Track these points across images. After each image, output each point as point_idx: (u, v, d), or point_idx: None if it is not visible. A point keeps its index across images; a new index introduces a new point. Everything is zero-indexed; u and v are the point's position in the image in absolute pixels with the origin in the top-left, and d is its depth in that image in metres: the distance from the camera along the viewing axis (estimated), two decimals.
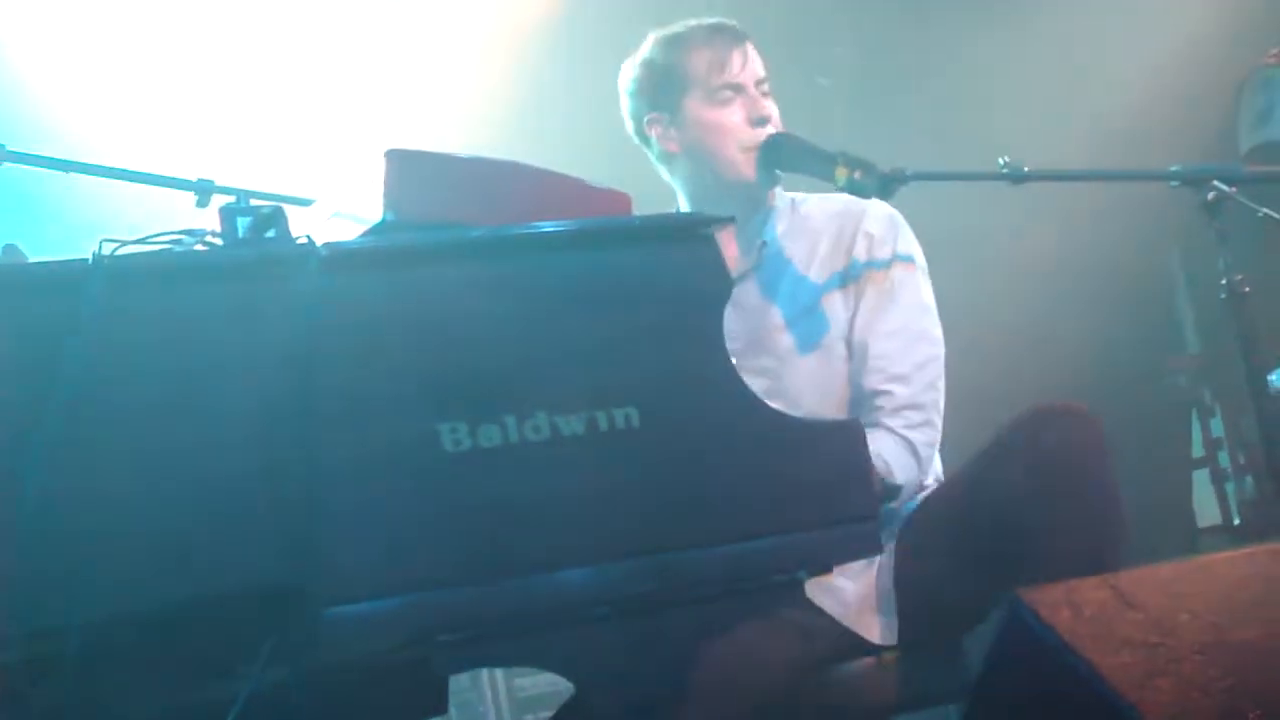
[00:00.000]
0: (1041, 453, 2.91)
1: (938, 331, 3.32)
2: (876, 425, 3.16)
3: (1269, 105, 5.11)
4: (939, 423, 3.25)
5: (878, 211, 3.34)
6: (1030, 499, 2.89)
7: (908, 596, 3.12)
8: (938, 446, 3.26)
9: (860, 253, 3.30)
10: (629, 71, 3.44)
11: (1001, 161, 3.18)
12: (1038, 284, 5.60)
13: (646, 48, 3.42)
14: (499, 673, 5.54)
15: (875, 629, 3.12)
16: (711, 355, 2.37)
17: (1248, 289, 3.30)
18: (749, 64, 3.35)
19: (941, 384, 3.28)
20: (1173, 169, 3.29)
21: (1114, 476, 2.95)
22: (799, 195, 3.43)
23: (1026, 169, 3.18)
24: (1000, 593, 2.42)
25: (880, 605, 3.13)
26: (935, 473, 3.31)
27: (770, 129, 3.30)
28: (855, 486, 2.43)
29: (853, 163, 3.06)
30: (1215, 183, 3.23)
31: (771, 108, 3.34)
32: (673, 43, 3.39)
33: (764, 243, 3.36)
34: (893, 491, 3.07)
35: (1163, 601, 2.29)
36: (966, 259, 5.15)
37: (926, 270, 3.36)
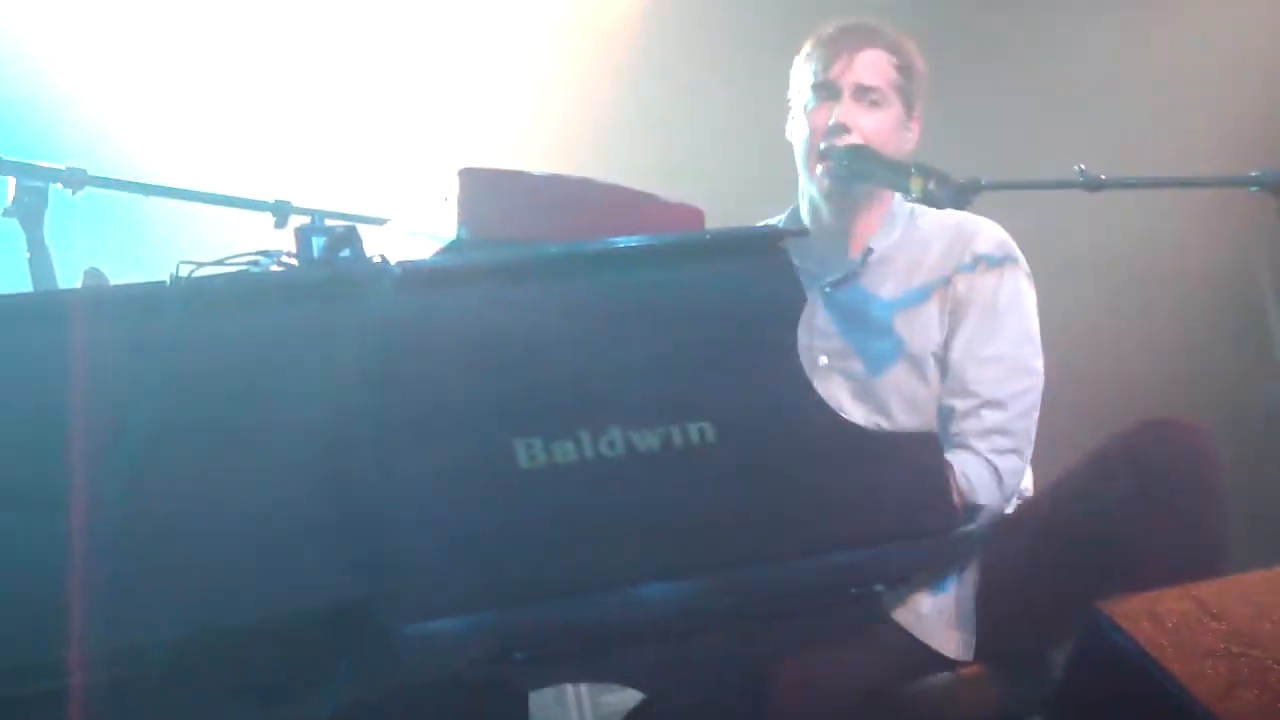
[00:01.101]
0: (1149, 467, 2.88)
1: (1038, 363, 3.29)
2: (965, 446, 3.15)
3: None
4: (1028, 454, 3.22)
5: (990, 233, 3.33)
6: (1135, 512, 2.86)
7: (991, 610, 3.09)
8: (1022, 476, 3.22)
9: (966, 272, 3.28)
10: None
11: (1078, 169, 3.15)
12: (1121, 291, 5.53)
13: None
14: (584, 687, 5.54)
15: (952, 644, 3.10)
16: (786, 369, 2.36)
17: None
18: (852, 69, 3.32)
19: (1035, 415, 3.24)
20: (1252, 174, 3.23)
21: (1225, 493, 2.92)
22: (920, 207, 3.39)
23: (1103, 177, 3.15)
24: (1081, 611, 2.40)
25: (959, 620, 3.11)
26: (1021, 489, 3.28)
27: (851, 139, 3.28)
28: (932, 499, 2.41)
29: (927, 173, 3.05)
30: None
31: (863, 118, 3.31)
32: (811, 42, 3.41)
33: (870, 249, 3.35)
34: (973, 512, 3.06)
35: (1245, 612, 2.27)
36: (1049, 264, 5.11)
37: (1034, 300, 3.33)
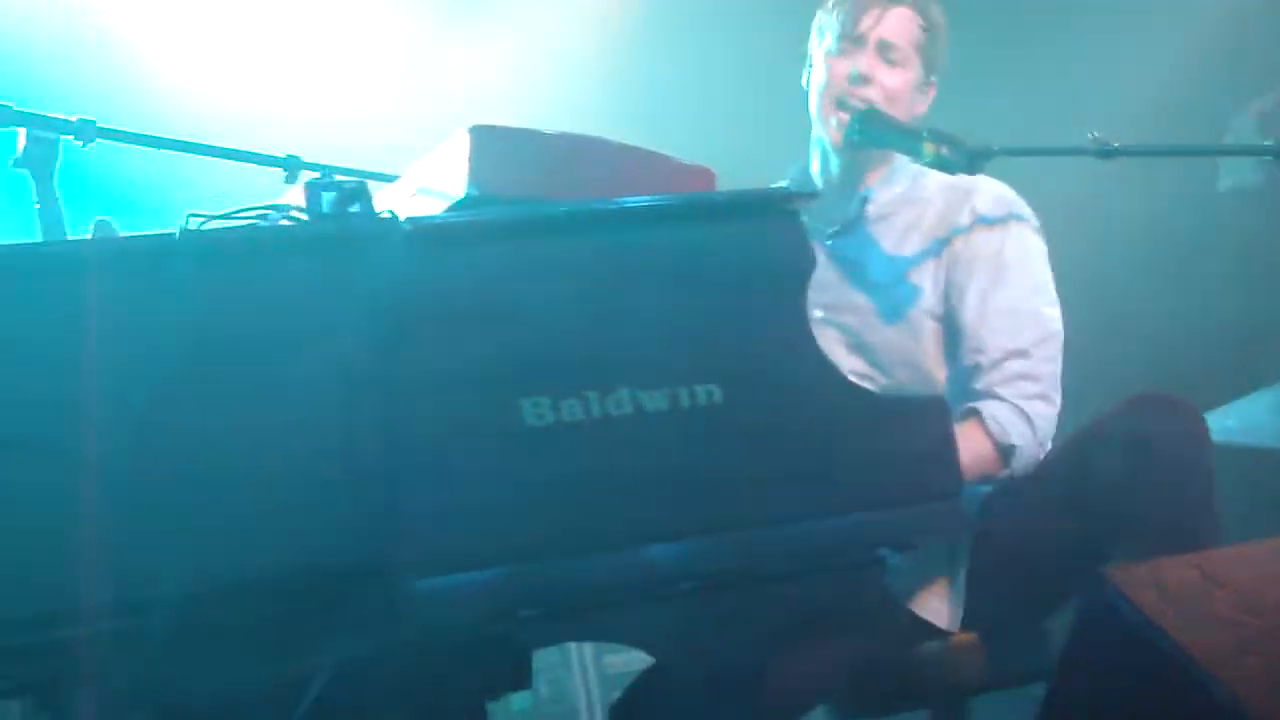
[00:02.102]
0: (1141, 440, 2.88)
1: (1055, 311, 3.28)
2: (992, 396, 3.15)
3: None
4: (1057, 399, 3.20)
5: (989, 189, 3.32)
6: (1127, 486, 2.86)
7: (984, 580, 3.10)
8: (1055, 420, 3.20)
9: (965, 232, 3.28)
10: None
11: (1091, 136, 3.13)
12: (1163, 261, 5.50)
13: None
14: (588, 648, 5.56)
15: (944, 615, 3.11)
16: (794, 331, 2.36)
17: None
18: (881, 24, 3.32)
19: (1059, 361, 3.23)
20: (1268, 143, 3.21)
21: (1212, 469, 2.92)
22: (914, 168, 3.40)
23: (1115, 144, 3.13)
24: (1084, 578, 2.40)
25: (950, 590, 3.12)
26: None
27: (871, 91, 3.28)
28: (938, 464, 2.41)
29: (939, 138, 3.04)
30: None
31: (885, 74, 3.31)
32: None
33: (866, 197, 3.35)
34: (1007, 452, 3.07)
35: (1251, 580, 2.26)
36: (1087, 234, 5.09)
37: (1044, 252, 3.33)
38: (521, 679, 2.62)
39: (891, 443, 2.38)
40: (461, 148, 2.34)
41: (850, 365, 3.20)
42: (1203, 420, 2.94)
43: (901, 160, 3.37)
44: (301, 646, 2.16)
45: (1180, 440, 2.89)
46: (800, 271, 2.40)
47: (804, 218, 2.42)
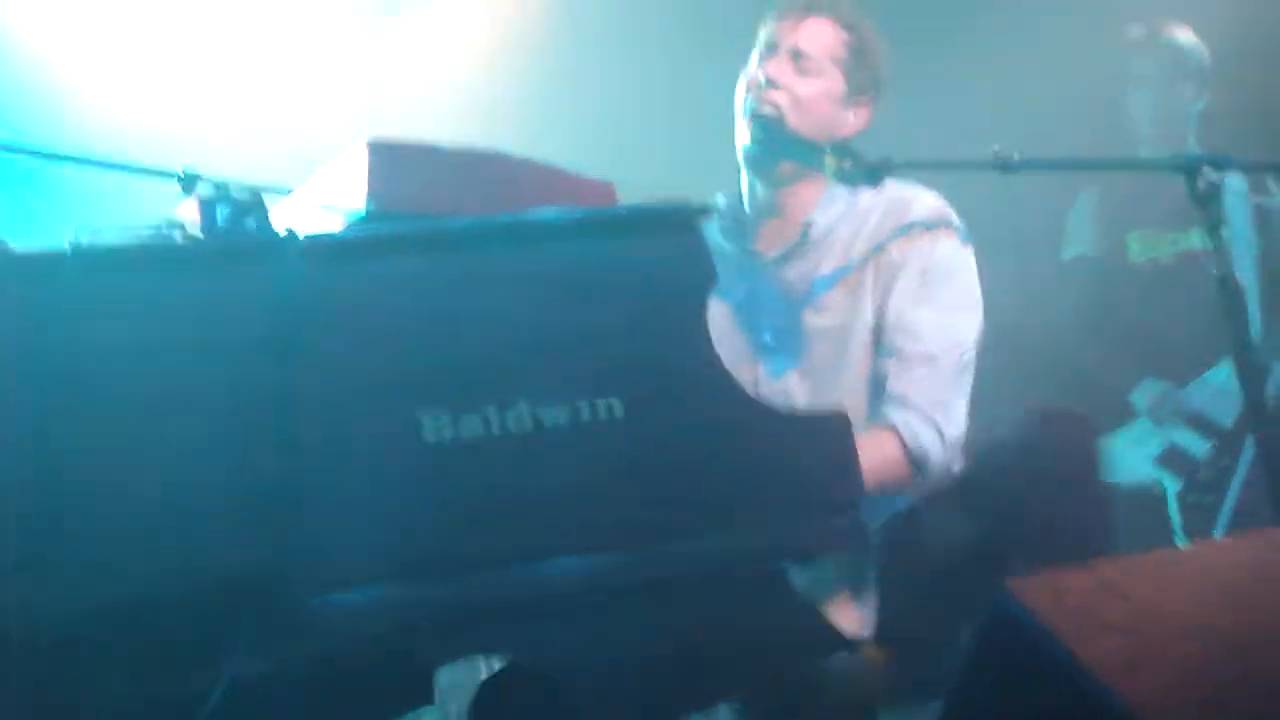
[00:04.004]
0: (1031, 452, 2.91)
1: (974, 320, 3.31)
2: (903, 403, 3.17)
3: None
4: (963, 407, 3.22)
5: (925, 200, 3.34)
6: (1020, 497, 2.89)
7: (896, 593, 3.11)
8: (963, 427, 3.22)
9: (899, 238, 3.29)
10: None
11: (993, 150, 3.14)
12: (1078, 274, 5.55)
13: None
14: (497, 663, 5.52)
15: (854, 621, 3.12)
16: (695, 345, 2.36)
17: (1243, 282, 3.19)
18: (797, 31, 3.35)
19: (971, 372, 3.26)
20: (1163, 156, 3.23)
21: (1102, 480, 2.96)
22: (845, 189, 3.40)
23: (1016, 157, 3.14)
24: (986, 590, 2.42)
25: (855, 603, 3.13)
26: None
27: (779, 95, 3.30)
28: (840, 477, 2.42)
29: (840, 152, 3.05)
30: (1206, 170, 3.16)
31: (795, 81, 3.32)
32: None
33: (810, 223, 3.36)
34: (918, 458, 3.10)
35: (1148, 589, 2.27)
36: (1016, 249, 5.13)
37: (970, 263, 3.35)
38: (423, 695, 2.61)
39: (793, 457, 2.38)
40: (360, 163, 2.33)
41: (801, 391, 3.25)
42: (1090, 430, 2.97)
43: (830, 183, 3.37)
44: (195, 663, 2.14)
45: (1068, 450, 2.92)
46: (701, 285, 2.40)
47: (744, 245, 2.42)
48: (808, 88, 3.33)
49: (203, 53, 5.22)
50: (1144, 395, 5.18)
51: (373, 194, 2.30)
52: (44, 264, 2.12)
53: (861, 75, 3.40)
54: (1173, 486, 5.11)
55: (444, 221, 2.31)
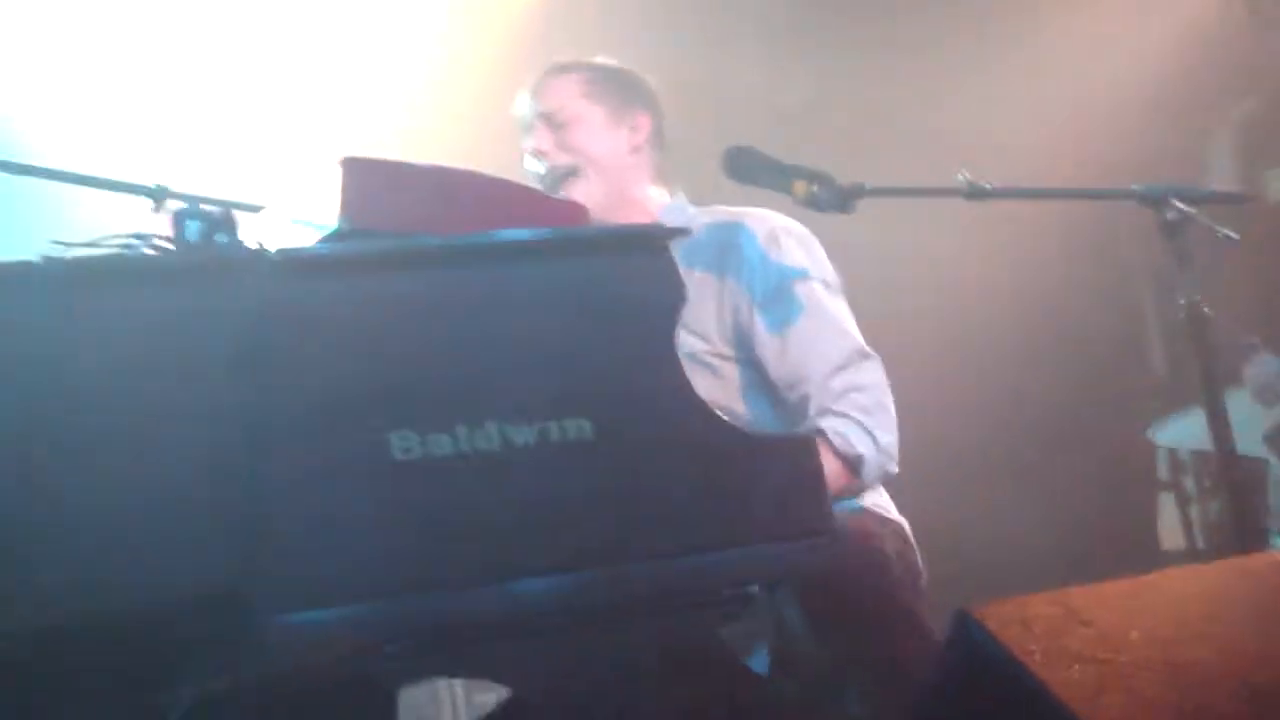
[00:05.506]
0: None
1: (850, 323, 3.32)
2: (828, 413, 3.17)
3: None
4: (889, 407, 3.23)
5: (756, 218, 3.36)
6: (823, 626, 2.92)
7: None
8: (893, 434, 3.23)
9: (739, 266, 3.31)
10: None
11: (961, 177, 3.16)
12: (998, 304, 5.56)
13: None
14: (458, 685, 5.51)
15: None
16: (664, 367, 2.36)
17: (1209, 311, 3.20)
18: (533, 100, 3.48)
19: (880, 369, 3.27)
20: (1132, 188, 3.23)
21: (895, 591, 3.08)
22: (697, 208, 3.46)
23: (987, 186, 3.16)
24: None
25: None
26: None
27: (556, 158, 3.40)
28: (808, 500, 2.42)
29: (810, 176, 3.06)
30: (1175, 202, 3.16)
31: (556, 138, 3.43)
32: None
33: None
34: (855, 463, 3.11)
35: (1114, 618, 2.28)
36: (928, 280, 5.15)
37: (825, 264, 3.37)
38: (386, 715, 2.60)
39: (760, 479, 2.38)
40: (334, 179, 2.33)
41: None
42: (879, 549, 3.03)
43: (664, 213, 3.43)
44: (159, 681, 2.13)
45: (857, 574, 2.93)
46: (670, 306, 2.40)
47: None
48: (571, 134, 3.44)
49: (176, 67, 5.21)
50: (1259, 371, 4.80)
51: (346, 210, 2.30)
52: (13, 276, 2.10)
53: (617, 94, 3.51)
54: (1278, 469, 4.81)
55: (416, 240, 2.31)
